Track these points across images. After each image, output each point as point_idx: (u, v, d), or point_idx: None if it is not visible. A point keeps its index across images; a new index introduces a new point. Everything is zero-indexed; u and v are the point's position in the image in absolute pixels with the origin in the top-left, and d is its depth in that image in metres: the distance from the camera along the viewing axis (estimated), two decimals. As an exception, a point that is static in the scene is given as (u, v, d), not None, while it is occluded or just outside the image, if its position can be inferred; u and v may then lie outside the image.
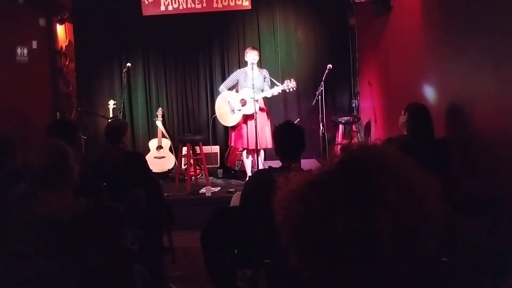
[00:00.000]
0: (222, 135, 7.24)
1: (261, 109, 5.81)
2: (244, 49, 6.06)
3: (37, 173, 1.92)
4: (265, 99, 5.86)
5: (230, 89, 6.00)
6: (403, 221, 0.81)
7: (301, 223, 0.86)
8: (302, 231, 0.86)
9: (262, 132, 5.73)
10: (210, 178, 6.35)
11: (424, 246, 0.85)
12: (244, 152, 6.01)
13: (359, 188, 0.83)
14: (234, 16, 7.24)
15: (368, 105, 6.59)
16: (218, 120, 6.34)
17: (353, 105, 7.24)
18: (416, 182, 0.86)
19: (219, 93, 6.32)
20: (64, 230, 1.87)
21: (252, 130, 5.60)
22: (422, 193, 0.85)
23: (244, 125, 5.82)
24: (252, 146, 5.66)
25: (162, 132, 6.87)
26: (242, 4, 6.91)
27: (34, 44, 5.74)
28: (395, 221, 0.81)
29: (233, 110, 5.86)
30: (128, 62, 6.72)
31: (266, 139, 5.70)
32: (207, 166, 6.38)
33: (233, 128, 6.01)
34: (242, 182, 5.48)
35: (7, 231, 1.90)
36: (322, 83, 6.05)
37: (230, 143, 6.34)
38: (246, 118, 5.76)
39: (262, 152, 5.87)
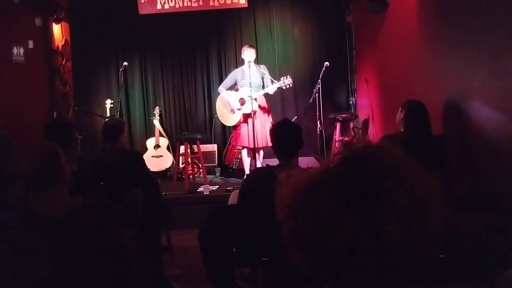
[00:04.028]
0: (220, 133, 7.24)
1: (261, 107, 5.81)
2: (241, 47, 6.05)
3: (31, 175, 1.92)
4: (265, 96, 5.85)
5: (229, 89, 5.99)
6: (411, 224, 0.81)
7: (305, 223, 0.85)
8: (307, 231, 0.85)
9: (263, 130, 5.72)
10: (208, 176, 6.35)
11: (427, 246, 0.85)
12: (244, 151, 6.00)
13: (367, 191, 0.82)
14: (230, 14, 7.24)
15: (366, 102, 6.59)
16: (215, 118, 6.33)
17: (351, 102, 7.25)
18: (420, 183, 0.86)
19: (217, 91, 6.31)
20: (62, 228, 1.87)
21: (252, 128, 5.59)
22: (426, 194, 0.85)
23: (244, 124, 5.80)
24: (251, 145, 5.65)
25: (160, 131, 6.87)
26: (238, 2, 6.90)
27: (31, 44, 5.73)
28: (404, 225, 0.80)
29: (232, 110, 5.85)
30: (125, 61, 6.73)
31: (267, 137, 5.67)
32: (205, 164, 6.38)
33: (235, 127, 6.00)
34: (240, 181, 5.48)
35: (5, 230, 1.89)
36: (319, 80, 6.05)
37: (233, 142, 6.36)
38: (246, 117, 5.76)
39: (261, 152, 5.88)
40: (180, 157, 6.58)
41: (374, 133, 6.19)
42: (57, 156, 1.98)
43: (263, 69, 5.86)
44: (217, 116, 6.26)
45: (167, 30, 7.27)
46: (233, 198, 3.66)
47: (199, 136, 6.36)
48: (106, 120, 5.93)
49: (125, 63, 6.58)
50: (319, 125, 6.15)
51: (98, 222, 1.97)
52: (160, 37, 7.33)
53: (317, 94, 6.11)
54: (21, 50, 5.46)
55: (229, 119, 5.94)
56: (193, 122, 7.39)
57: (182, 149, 6.29)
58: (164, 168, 6.77)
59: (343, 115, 6.44)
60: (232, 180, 6.38)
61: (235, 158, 6.72)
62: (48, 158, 1.95)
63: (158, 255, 3.85)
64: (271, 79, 5.72)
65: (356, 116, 6.78)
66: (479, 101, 3.36)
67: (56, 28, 6.58)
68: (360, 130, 6.75)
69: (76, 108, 6.89)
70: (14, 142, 3.15)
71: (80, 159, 3.86)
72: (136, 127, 7.33)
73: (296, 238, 0.88)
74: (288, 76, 5.65)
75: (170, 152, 6.86)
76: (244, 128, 5.80)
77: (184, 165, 6.33)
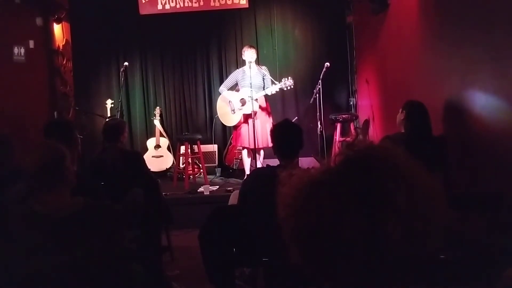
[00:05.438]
0: (220, 133, 7.24)
1: (261, 108, 5.81)
2: (242, 48, 6.06)
3: (34, 174, 1.92)
4: (266, 97, 5.85)
5: (230, 89, 5.99)
6: (412, 225, 0.81)
7: (306, 222, 0.85)
8: (307, 231, 0.85)
9: (263, 130, 5.72)
10: (208, 177, 6.35)
11: (428, 247, 0.85)
12: (245, 151, 6.01)
13: (368, 191, 0.82)
14: (231, 14, 7.24)
15: (366, 103, 6.59)
16: (216, 118, 6.32)
17: (351, 103, 7.25)
18: (422, 183, 0.86)
19: (217, 92, 6.30)
20: (62, 228, 1.87)
21: (252, 129, 5.59)
22: (427, 196, 0.85)
23: (244, 124, 5.81)
24: (252, 145, 5.66)
25: (160, 131, 6.87)
26: (239, 2, 6.90)
27: (31, 44, 5.73)
28: (405, 226, 0.80)
29: (233, 110, 5.85)
30: (126, 61, 6.73)
31: (267, 137, 5.67)
32: (205, 165, 6.38)
33: (235, 127, 6.01)
34: (240, 181, 5.48)
35: (5, 229, 1.90)
36: (320, 81, 6.05)
37: (233, 142, 6.36)
38: (247, 117, 5.76)
39: (262, 152, 5.88)
40: (181, 157, 6.58)
41: (374, 134, 6.19)
42: (62, 157, 1.99)
43: (264, 70, 5.87)
44: (217, 116, 6.26)
45: (168, 30, 7.27)
46: (233, 198, 3.66)
47: (200, 136, 6.36)
48: (107, 120, 5.94)
49: (126, 63, 6.58)
50: (319, 125, 6.16)
51: (98, 222, 1.97)
52: (160, 37, 7.33)
53: (317, 95, 6.11)
54: (22, 50, 5.47)
55: (230, 119, 5.95)
56: (194, 122, 7.39)
57: (182, 149, 6.29)
58: (165, 168, 6.77)
59: (343, 116, 6.44)
60: (232, 180, 6.38)
61: (235, 159, 6.72)
62: (54, 159, 1.96)
63: (158, 255, 3.85)
64: (272, 80, 5.73)
65: (357, 117, 6.78)
66: (480, 101, 3.36)
67: (57, 28, 6.59)
68: (360, 131, 6.75)
69: (77, 108, 6.90)
70: (14, 142, 3.16)
71: (80, 159, 3.86)
72: (136, 127, 7.33)
73: (297, 237, 0.88)
74: (289, 77, 5.65)
75: (170, 152, 6.86)
76: (244, 128, 5.80)
77: (184, 165, 6.33)
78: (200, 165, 6.38)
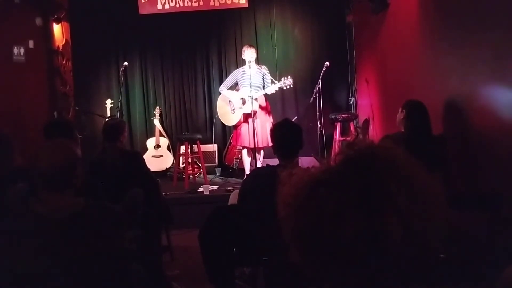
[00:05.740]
0: (220, 133, 7.24)
1: (261, 107, 5.81)
2: (241, 47, 6.06)
3: (46, 173, 1.92)
4: (265, 96, 5.85)
5: (230, 88, 5.99)
6: (413, 225, 0.81)
7: (306, 221, 0.85)
8: (308, 230, 0.85)
9: (263, 130, 5.72)
10: (208, 176, 6.35)
11: (428, 246, 0.85)
12: (245, 151, 6.01)
13: (368, 191, 0.82)
14: (231, 14, 7.24)
15: (366, 102, 6.59)
16: (216, 118, 6.32)
17: (351, 102, 7.25)
18: (422, 183, 0.86)
19: (217, 91, 6.30)
20: (61, 228, 1.87)
21: (252, 128, 5.59)
22: (428, 195, 0.85)
23: (244, 124, 5.80)
24: (252, 145, 5.66)
25: (160, 131, 6.87)
26: (239, 2, 6.91)
27: (31, 44, 5.73)
28: (406, 226, 0.80)
29: (233, 109, 5.85)
30: (125, 61, 6.74)
31: (267, 137, 5.66)
32: (205, 164, 6.38)
33: (235, 127, 6.01)
34: (240, 181, 5.48)
35: (5, 229, 1.90)
36: (320, 80, 6.05)
37: (233, 142, 6.36)
38: (247, 116, 5.76)
39: (262, 152, 5.88)
40: (181, 157, 6.59)
41: (374, 133, 6.19)
42: (77, 160, 1.99)
43: (264, 69, 5.86)
44: (217, 116, 6.26)
45: (168, 30, 7.27)
46: (233, 198, 3.66)
47: (199, 136, 6.36)
48: (107, 120, 5.94)
49: (126, 63, 6.58)
50: (319, 125, 6.15)
51: (99, 223, 1.97)
52: (160, 37, 7.34)
53: (317, 94, 6.11)
54: (22, 50, 5.47)
55: (230, 119, 5.95)
56: (193, 122, 7.39)
57: (182, 149, 6.29)
58: (164, 168, 6.78)
59: (343, 115, 6.44)
60: (232, 180, 6.38)
61: (235, 158, 6.72)
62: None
63: (158, 255, 3.85)
64: (272, 79, 5.73)
65: (356, 116, 6.79)
66: (479, 101, 3.36)
67: (57, 28, 6.58)
68: (360, 130, 6.75)
69: (77, 108, 6.89)
70: (14, 142, 3.15)
71: (80, 159, 3.85)
72: (136, 127, 7.33)
73: (297, 237, 0.88)
74: (288, 77, 5.65)
75: (170, 152, 6.86)
76: (244, 128, 5.80)
77: (184, 165, 6.33)
78: (200, 164, 6.38)
